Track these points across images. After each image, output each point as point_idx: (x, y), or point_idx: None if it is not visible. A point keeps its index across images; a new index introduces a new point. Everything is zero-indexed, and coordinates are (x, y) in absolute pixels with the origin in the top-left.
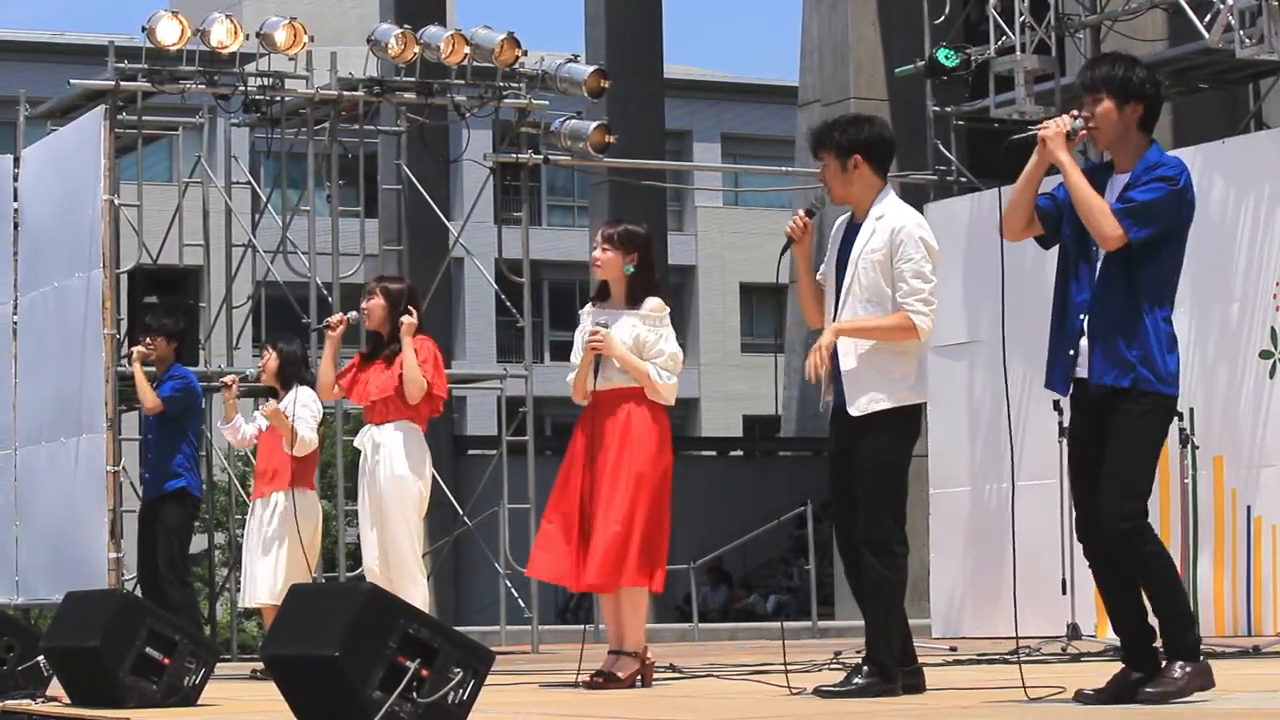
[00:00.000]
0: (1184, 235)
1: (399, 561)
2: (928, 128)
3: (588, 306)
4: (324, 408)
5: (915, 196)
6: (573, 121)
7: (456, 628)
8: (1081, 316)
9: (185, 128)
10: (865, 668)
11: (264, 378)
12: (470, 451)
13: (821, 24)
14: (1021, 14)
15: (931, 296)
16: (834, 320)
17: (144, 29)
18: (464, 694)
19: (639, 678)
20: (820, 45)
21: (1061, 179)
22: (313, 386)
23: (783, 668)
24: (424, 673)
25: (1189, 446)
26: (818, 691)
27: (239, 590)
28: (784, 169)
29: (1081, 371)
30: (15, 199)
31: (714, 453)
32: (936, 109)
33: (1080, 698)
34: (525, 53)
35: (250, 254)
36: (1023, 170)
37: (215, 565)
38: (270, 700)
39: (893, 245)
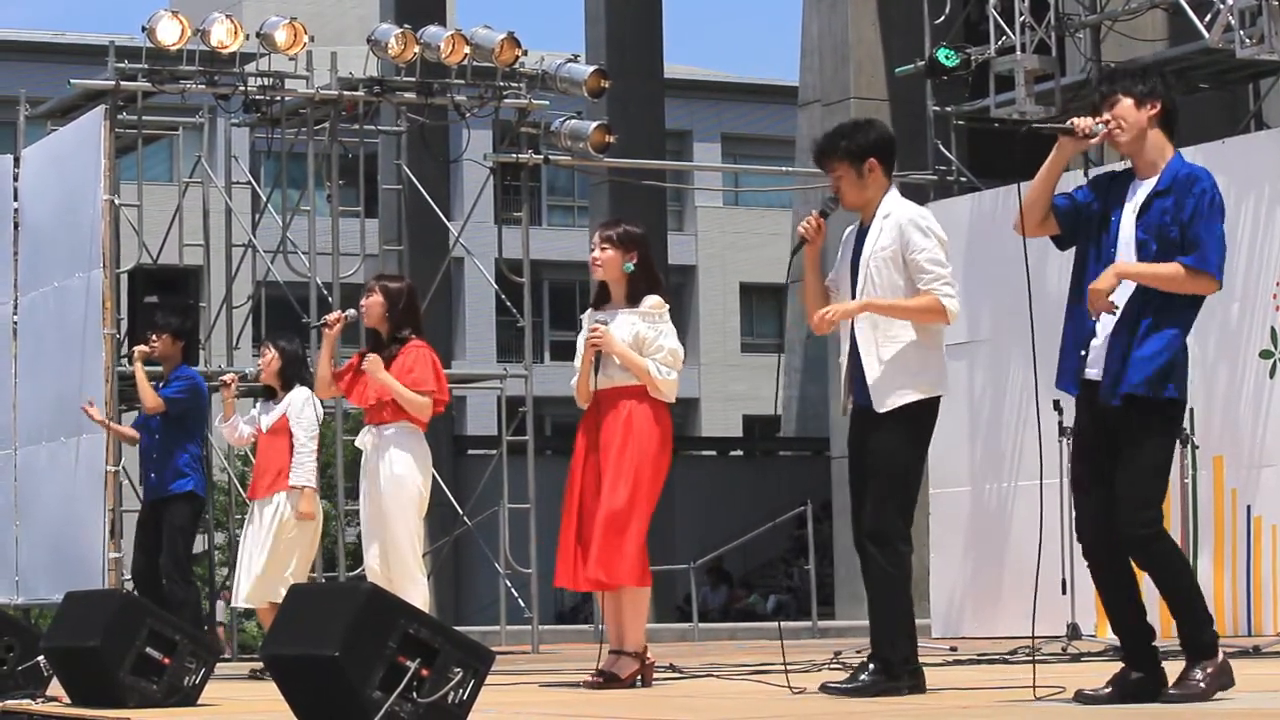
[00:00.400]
0: None
1: (399, 561)
2: (928, 128)
3: (588, 311)
4: (323, 408)
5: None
6: (573, 121)
7: (456, 628)
8: (1094, 319)
9: (185, 128)
10: (870, 665)
11: (264, 377)
12: (470, 451)
13: (822, 24)
14: (1021, 14)
15: (952, 279)
16: (850, 330)
17: (144, 29)
18: (464, 694)
19: (639, 678)
20: (820, 45)
21: (1081, 181)
22: (311, 387)
23: (782, 668)
24: (424, 673)
25: (1189, 446)
26: (823, 688)
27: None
28: (784, 169)
29: (1092, 373)
30: (15, 199)
31: (714, 453)
32: (937, 109)
33: (1081, 698)
34: (525, 53)
35: (250, 254)
36: (1025, 166)
37: (215, 565)
38: (270, 700)
39: (902, 239)
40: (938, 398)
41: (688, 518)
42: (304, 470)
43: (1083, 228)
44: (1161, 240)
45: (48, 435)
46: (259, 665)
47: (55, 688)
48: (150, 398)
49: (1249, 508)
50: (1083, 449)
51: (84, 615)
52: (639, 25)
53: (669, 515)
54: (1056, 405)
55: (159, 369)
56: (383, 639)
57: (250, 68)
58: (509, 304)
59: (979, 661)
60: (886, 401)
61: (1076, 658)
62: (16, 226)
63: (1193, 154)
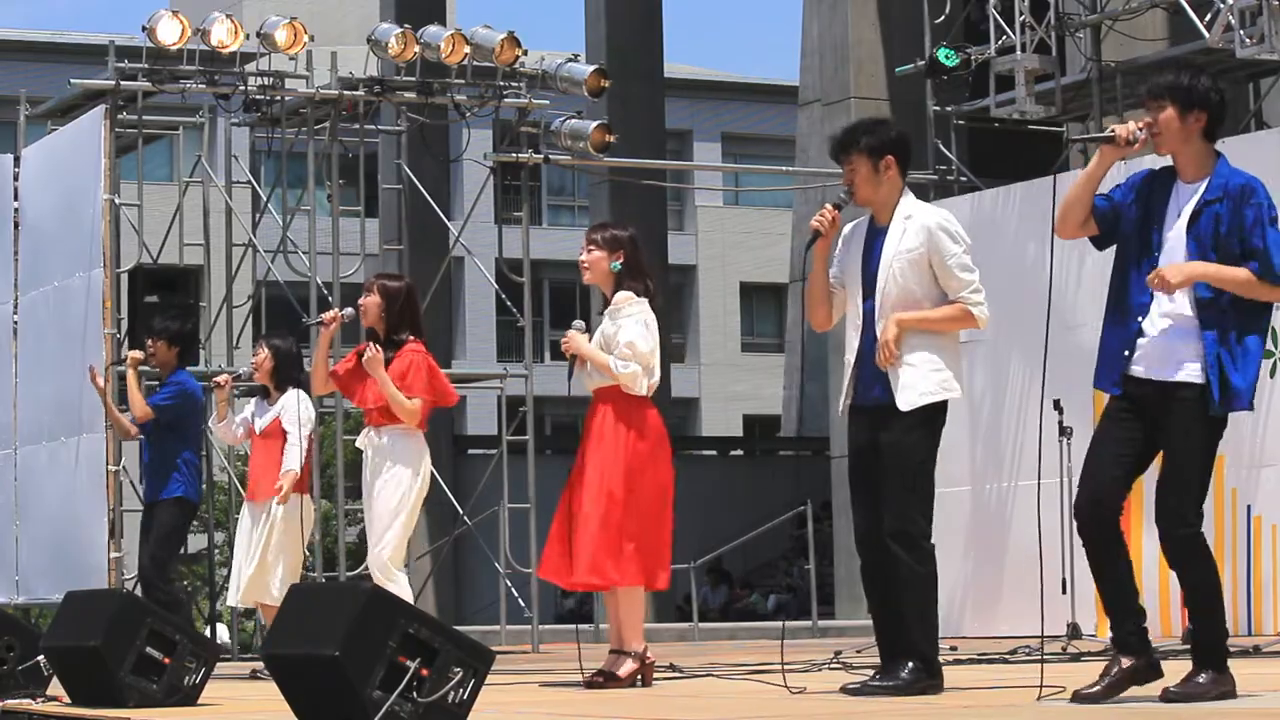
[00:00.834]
0: None
1: (379, 560)
2: (928, 127)
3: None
4: (322, 407)
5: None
6: (573, 121)
7: (457, 627)
8: (1140, 319)
9: (186, 127)
10: (910, 663)
11: (257, 376)
12: (470, 451)
13: (822, 24)
14: (1022, 13)
15: (979, 285)
16: (859, 322)
17: (144, 29)
18: (464, 694)
19: (639, 677)
20: (820, 45)
21: (1119, 180)
22: (305, 387)
23: (781, 667)
24: (424, 672)
25: None
26: (853, 688)
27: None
28: (784, 168)
29: (1138, 370)
30: (16, 198)
31: (714, 452)
32: (937, 109)
33: (1078, 698)
34: (525, 52)
35: (250, 253)
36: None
37: (215, 565)
38: (270, 700)
39: (930, 243)
40: (948, 400)
41: (688, 517)
42: (289, 459)
43: (1122, 229)
44: (1221, 251)
45: (48, 435)
46: (259, 665)
47: (55, 687)
48: (139, 405)
49: (1249, 507)
50: (1115, 433)
51: (84, 615)
52: (639, 25)
53: None
54: (1057, 405)
55: (157, 373)
56: (383, 639)
57: (250, 67)
58: (509, 303)
59: (979, 661)
60: (914, 400)
61: (1077, 657)
62: (17, 226)
63: None
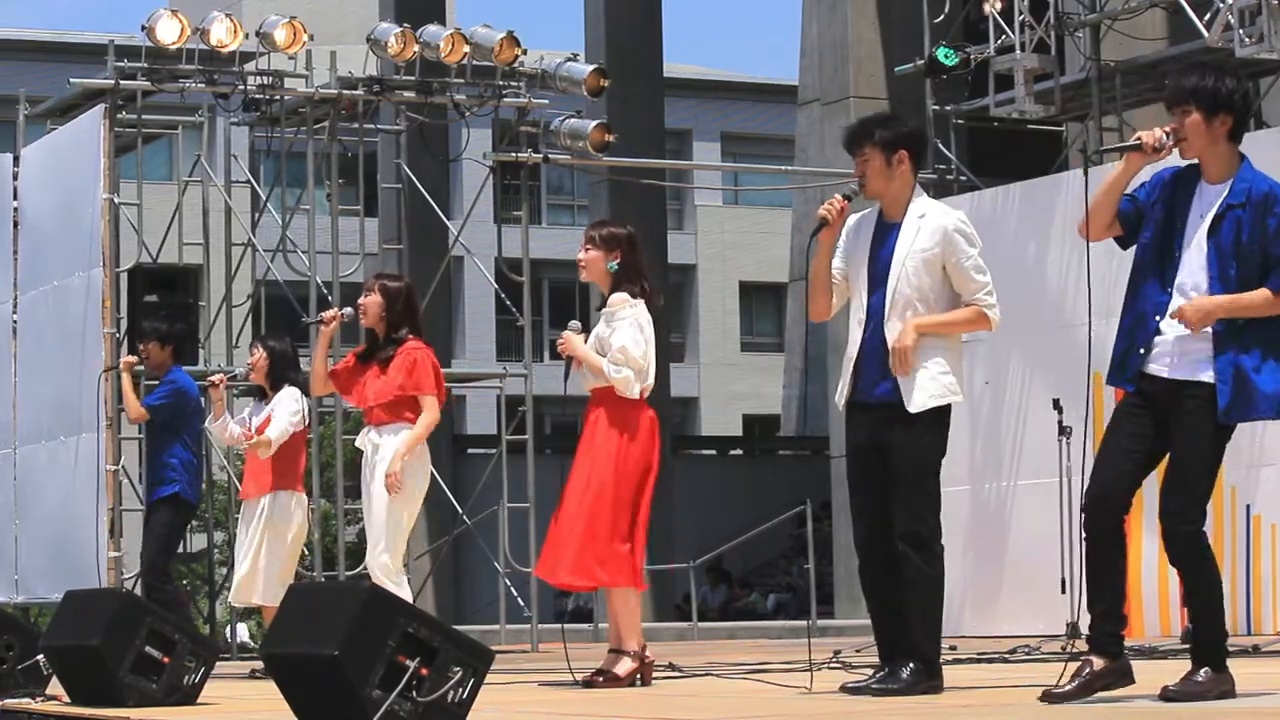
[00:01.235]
0: None
1: (379, 560)
2: (928, 127)
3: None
4: (322, 407)
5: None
6: (572, 120)
7: (456, 627)
8: (1158, 318)
9: (185, 126)
10: (911, 664)
11: (253, 376)
12: (470, 450)
13: (821, 23)
14: (1021, 13)
15: (992, 287)
16: (863, 317)
17: (144, 28)
18: (463, 693)
19: (638, 676)
20: (820, 44)
21: (1141, 181)
22: (302, 387)
23: (780, 667)
24: (423, 672)
25: None
26: (844, 688)
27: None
28: (784, 168)
29: (1154, 368)
30: (15, 198)
31: (714, 452)
32: (936, 108)
33: (1049, 697)
34: (525, 52)
35: (250, 253)
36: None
37: (214, 564)
38: (270, 699)
39: (945, 244)
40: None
41: (687, 517)
42: (275, 430)
43: (1144, 230)
44: (1242, 261)
45: (47, 434)
46: (259, 664)
47: (55, 686)
48: (134, 407)
49: (1248, 507)
50: (1130, 429)
51: (84, 614)
52: (639, 24)
53: (668, 514)
54: (1056, 404)
55: (155, 375)
56: (382, 638)
57: (250, 67)
58: (509, 303)
59: (979, 661)
60: (925, 402)
61: (1076, 657)
62: (16, 225)
63: None
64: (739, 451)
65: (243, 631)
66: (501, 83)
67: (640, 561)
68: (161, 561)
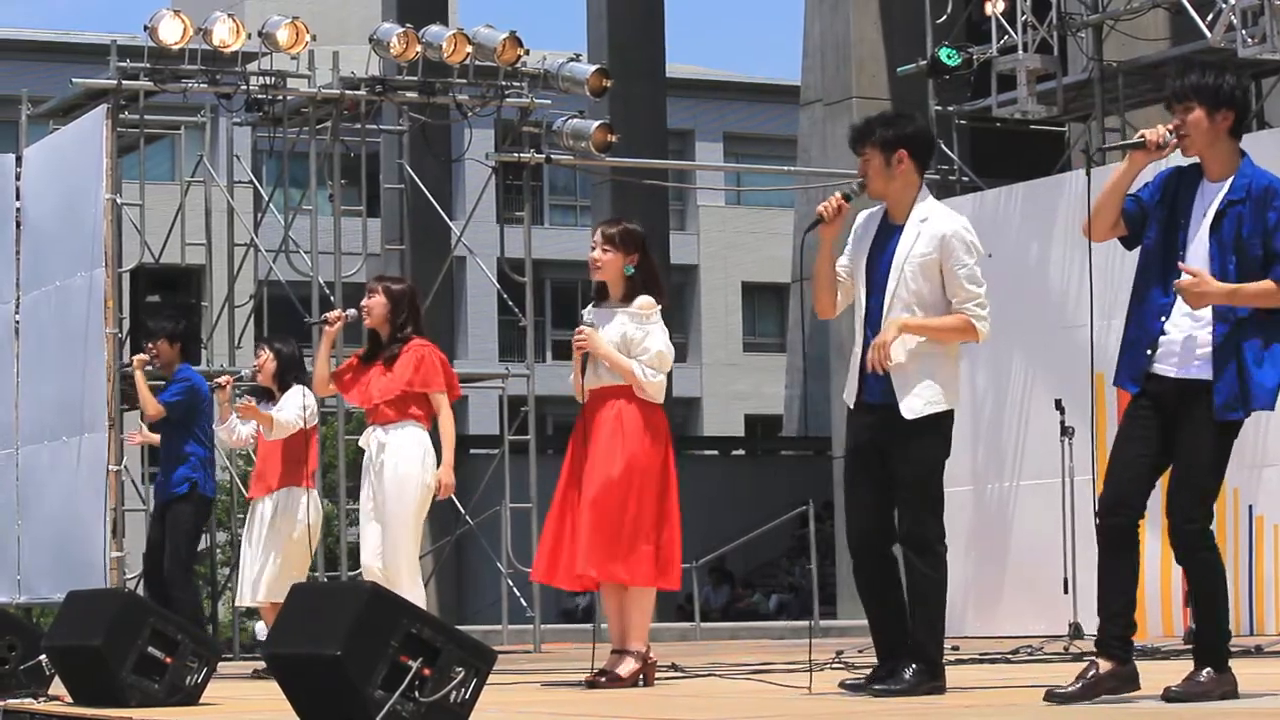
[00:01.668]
0: None
1: (399, 563)
2: (930, 127)
3: (588, 308)
4: (324, 407)
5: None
6: (575, 121)
7: (459, 627)
8: (1162, 318)
9: (187, 127)
10: (914, 665)
11: (260, 379)
12: (472, 451)
13: (823, 23)
14: (1023, 13)
15: (985, 299)
16: (863, 318)
17: (146, 28)
18: (466, 693)
19: (641, 677)
20: (822, 45)
21: (1144, 181)
22: (309, 387)
23: (783, 667)
24: (426, 672)
25: None
26: (843, 685)
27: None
28: (786, 168)
29: (1161, 368)
30: (17, 198)
31: (716, 452)
32: (939, 108)
33: (1053, 697)
34: (527, 52)
35: (252, 253)
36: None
37: (216, 565)
38: (272, 699)
39: (943, 250)
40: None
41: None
42: (284, 413)
43: (1148, 229)
44: (1241, 255)
45: (50, 434)
46: (261, 664)
47: (57, 687)
48: (150, 405)
49: (1250, 507)
50: (1138, 433)
51: (86, 614)
52: (641, 24)
53: None
54: (1059, 405)
55: (164, 374)
56: (385, 638)
57: (252, 67)
58: (511, 303)
59: (981, 661)
60: (919, 409)
61: (1079, 657)
62: (19, 226)
63: None
64: (741, 452)
65: (261, 631)
66: (504, 83)
67: (669, 560)
68: (188, 554)
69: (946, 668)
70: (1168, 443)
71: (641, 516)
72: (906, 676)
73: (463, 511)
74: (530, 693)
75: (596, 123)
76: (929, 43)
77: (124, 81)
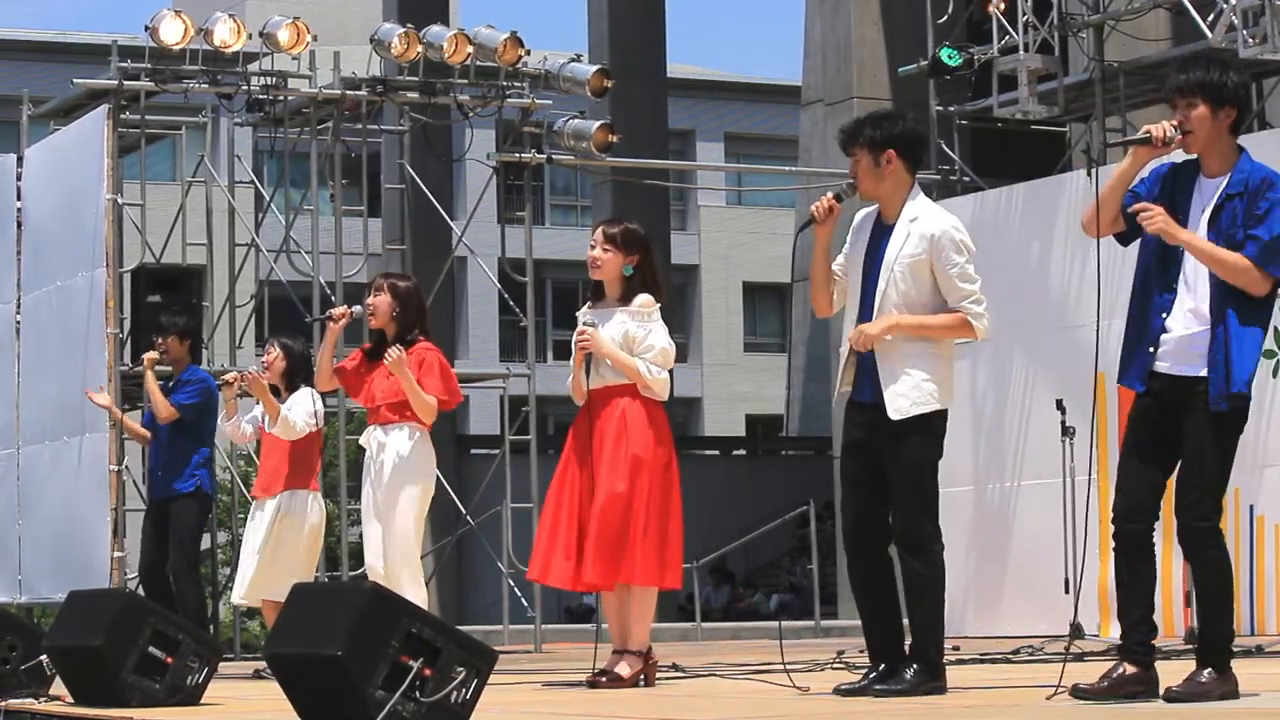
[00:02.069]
0: None
1: (401, 562)
2: (931, 127)
3: (584, 308)
4: (326, 407)
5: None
6: (576, 121)
7: (459, 627)
8: (1163, 315)
9: (188, 127)
10: (914, 665)
11: (269, 376)
12: (473, 451)
13: (824, 24)
14: (1024, 13)
15: (981, 296)
16: (855, 317)
17: (147, 28)
18: (467, 693)
19: (642, 677)
20: (823, 45)
21: (1140, 177)
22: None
23: (783, 667)
24: (427, 672)
25: None
26: (839, 690)
27: None
28: (787, 168)
29: (1162, 366)
30: (18, 198)
31: (717, 452)
32: (940, 109)
33: (1078, 692)
34: (528, 52)
35: (253, 253)
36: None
37: (217, 565)
38: (273, 699)
39: (933, 250)
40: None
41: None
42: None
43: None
44: (1233, 245)
45: (51, 435)
46: (262, 664)
47: (58, 687)
48: (163, 407)
49: (1251, 507)
50: (1146, 436)
51: (87, 615)
52: (642, 25)
53: None
54: (1060, 405)
55: (169, 369)
56: (385, 638)
57: (253, 67)
58: (512, 303)
59: (982, 661)
60: (906, 409)
61: (1080, 657)
62: (19, 226)
63: None
64: (742, 452)
65: None
66: (505, 83)
67: (671, 559)
68: (193, 550)
69: (947, 668)
70: (1174, 442)
71: (644, 516)
72: (907, 677)
73: (464, 511)
74: (531, 693)
75: (597, 123)
76: (930, 43)
77: (125, 82)
